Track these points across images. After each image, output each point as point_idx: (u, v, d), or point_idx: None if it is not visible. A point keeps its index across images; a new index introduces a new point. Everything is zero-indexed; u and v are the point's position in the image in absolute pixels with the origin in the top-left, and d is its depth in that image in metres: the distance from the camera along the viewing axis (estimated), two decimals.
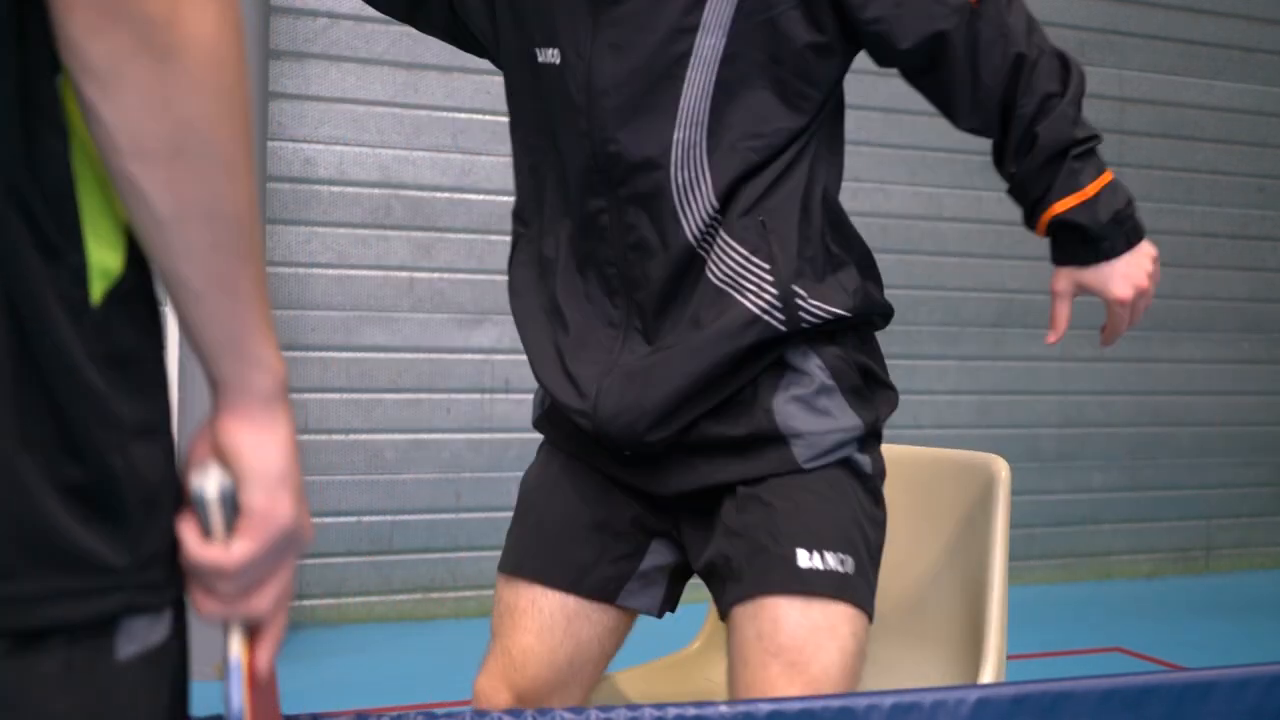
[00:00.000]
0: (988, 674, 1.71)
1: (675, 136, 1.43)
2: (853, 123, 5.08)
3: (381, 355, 4.21)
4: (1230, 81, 5.51)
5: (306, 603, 4.12)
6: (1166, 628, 4.46)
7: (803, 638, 1.40)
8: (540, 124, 1.54)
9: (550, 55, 1.48)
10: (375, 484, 4.22)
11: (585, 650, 1.59)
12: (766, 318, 1.44)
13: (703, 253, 1.45)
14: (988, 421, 5.02)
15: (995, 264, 5.02)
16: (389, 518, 4.24)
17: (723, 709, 0.90)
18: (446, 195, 4.24)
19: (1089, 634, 4.27)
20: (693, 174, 1.44)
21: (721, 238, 1.45)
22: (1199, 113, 5.45)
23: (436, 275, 4.25)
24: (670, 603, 1.64)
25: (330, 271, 4.14)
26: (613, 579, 1.59)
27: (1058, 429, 5.18)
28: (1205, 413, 5.51)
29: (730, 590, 1.47)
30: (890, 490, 1.70)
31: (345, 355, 4.17)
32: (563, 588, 1.57)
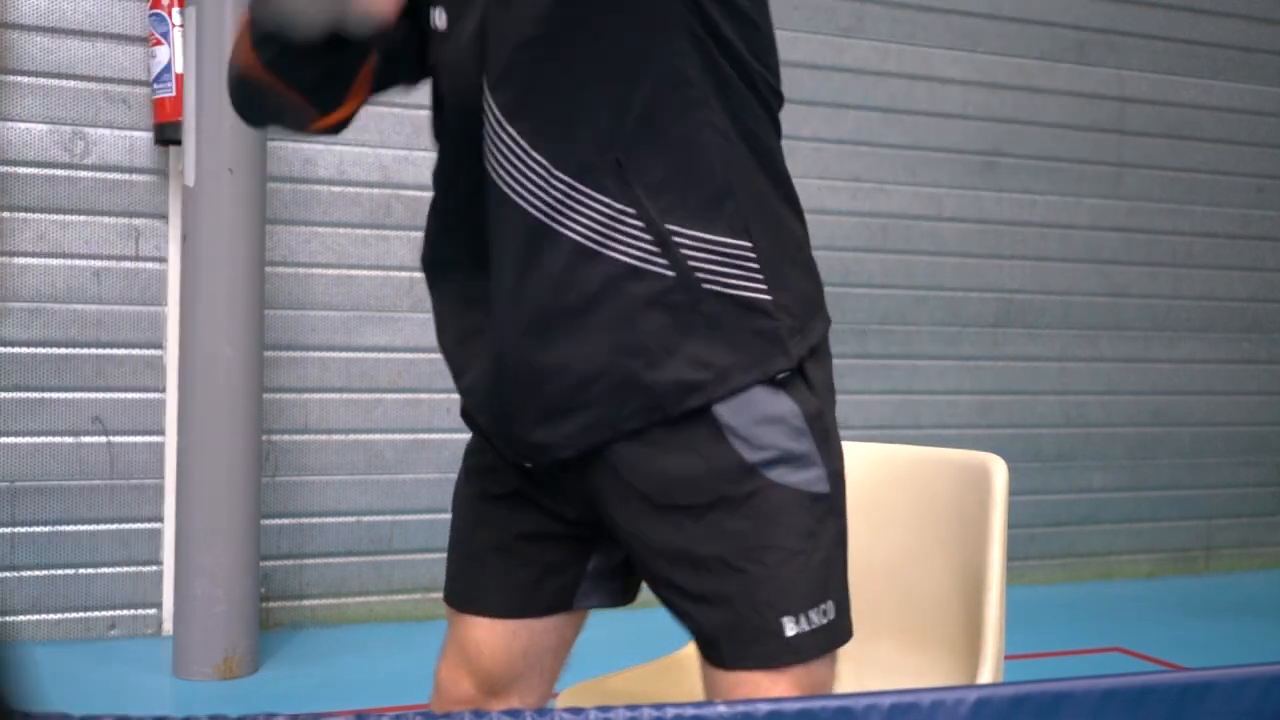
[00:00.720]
0: (986, 674, 1.71)
1: None
2: (852, 122, 5.08)
3: (382, 355, 4.21)
4: (1230, 81, 5.51)
5: (306, 603, 4.12)
6: (1166, 628, 4.46)
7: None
8: None
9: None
10: (375, 484, 4.22)
11: (541, 641, 1.51)
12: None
13: None
14: (987, 421, 5.02)
15: (995, 264, 5.02)
16: (389, 518, 4.24)
17: (722, 709, 0.90)
18: None
19: (1088, 634, 4.27)
20: None
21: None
22: (1199, 113, 5.45)
23: None
24: (631, 591, 1.54)
25: (330, 272, 4.15)
26: (561, 590, 1.50)
27: (1058, 429, 5.18)
28: (1205, 413, 5.51)
29: (705, 649, 1.37)
30: (889, 490, 1.70)
31: (345, 355, 4.17)
32: (511, 616, 1.49)
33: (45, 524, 3.83)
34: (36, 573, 3.83)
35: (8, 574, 3.80)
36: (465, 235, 1.39)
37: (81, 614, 3.88)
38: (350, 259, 4.16)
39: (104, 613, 3.90)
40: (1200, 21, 5.43)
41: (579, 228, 1.30)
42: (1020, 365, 5.13)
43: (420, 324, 4.23)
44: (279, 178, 4.04)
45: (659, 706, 0.89)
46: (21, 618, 3.82)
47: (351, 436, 4.18)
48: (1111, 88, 5.28)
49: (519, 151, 1.31)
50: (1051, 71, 5.18)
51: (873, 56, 4.85)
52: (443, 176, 1.47)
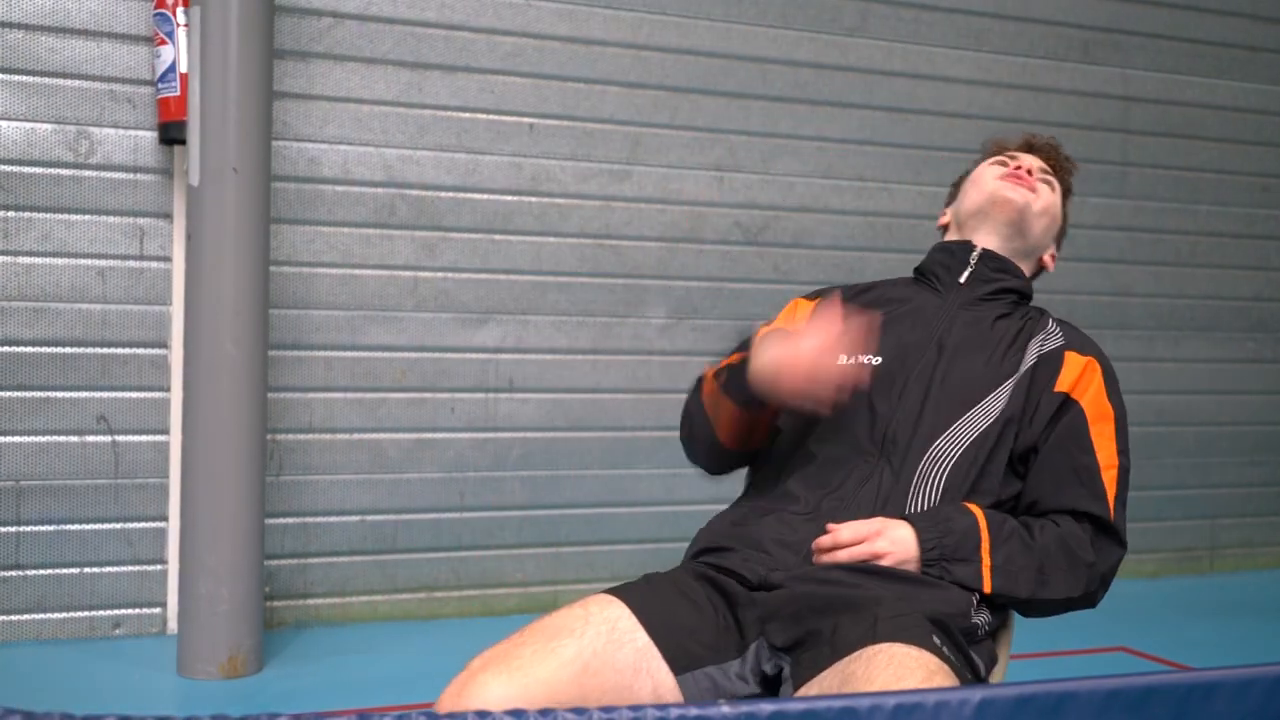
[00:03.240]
0: (992, 673, 1.71)
1: None
2: (857, 122, 5.09)
3: (386, 355, 4.21)
4: (1235, 80, 5.50)
5: (310, 602, 4.13)
6: (1171, 628, 4.45)
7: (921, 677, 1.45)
8: None
9: None
10: (379, 483, 4.22)
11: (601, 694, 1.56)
12: None
13: None
14: None
15: None
16: (393, 517, 4.24)
17: (725, 709, 0.90)
18: (451, 195, 4.25)
19: (1093, 634, 4.26)
20: None
21: None
22: (1203, 112, 5.45)
23: (441, 275, 4.25)
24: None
25: (335, 271, 4.15)
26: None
27: None
28: (1209, 412, 5.50)
29: (840, 639, 1.54)
30: None
31: (349, 355, 4.17)
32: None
33: (50, 523, 3.84)
34: (41, 572, 3.83)
35: (13, 573, 3.81)
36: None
37: (86, 613, 3.88)
38: (354, 258, 4.17)
39: (109, 612, 3.91)
40: (1205, 20, 5.42)
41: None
42: None
43: (424, 323, 4.23)
44: (283, 177, 4.04)
45: (662, 707, 0.89)
46: (26, 616, 3.83)
47: (356, 436, 4.19)
48: (1116, 87, 5.28)
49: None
50: (1056, 71, 5.18)
51: (877, 56, 4.85)
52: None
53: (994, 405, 1.76)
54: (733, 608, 1.66)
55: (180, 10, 3.67)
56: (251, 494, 3.51)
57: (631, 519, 4.45)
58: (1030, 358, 1.82)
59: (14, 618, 3.81)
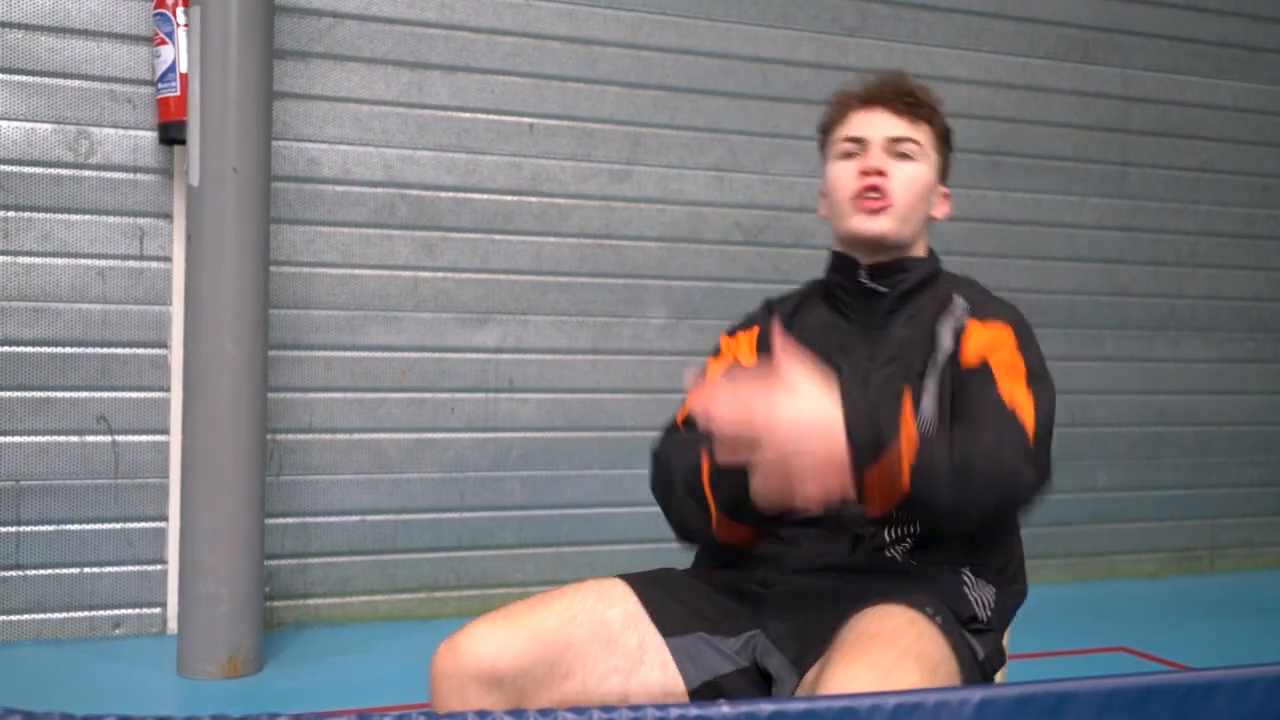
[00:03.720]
0: (1000, 672, 1.71)
1: None
2: None
3: (386, 355, 4.21)
4: (1235, 80, 5.50)
5: (310, 601, 4.13)
6: (1171, 627, 4.45)
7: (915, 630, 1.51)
8: None
9: None
10: (379, 483, 4.22)
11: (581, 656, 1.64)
12: None
13: None
14: None
15: (999, 263, 5.01)
16: (393, 517, 4.24)
17: (725, 709, 0.90)
18: (451, 195, 4.24)
19: (1093, 634, 4.27)
20: None
21: None
22: (1203, 112, 5.44)
23: (441, 275, 4.25)
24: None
25: (335, 271, 4.15)
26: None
27: (1062, 428, 5.15)
28: (1210, 412, 5.50)
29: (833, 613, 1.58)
30: None
31: (349, 355, 4.17)
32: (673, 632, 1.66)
33: (50, 523, 3.84)
34: (41, 572, 3.83)
35: (13, 573, 3.81)
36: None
37: (86, 613, 3.88)
38: (354, 258, 4.17)
39: (109, 612, 3.91)
40: (1205, 20, 5.42)
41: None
42: None
43: (424, 323, 4.23)
44: (283, 177, 4.04)
45: (662, 707, 0.89)
46: (26, 616, 3.83)
47: (356, 436, 4.19)
48: (1116, 87, 5.28)
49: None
50: (1056, 71, 5.17)
51: (877, 56, 4.84)
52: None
53: (928, 409, 1.73)
54: (733, 598, 1.71)
55: (180, 10, 3.67)
56: (251, 494, 3.51)
57: (631, 519, 4.45)
58: (945, 345, 1.77)
59: (14, 618, 3.81)
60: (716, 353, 1.93)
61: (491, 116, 4.29)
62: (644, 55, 4.52)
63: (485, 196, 4.29)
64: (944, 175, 1.93)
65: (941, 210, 1.94)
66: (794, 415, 1.45)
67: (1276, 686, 1.03)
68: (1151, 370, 5.38)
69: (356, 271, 4.17)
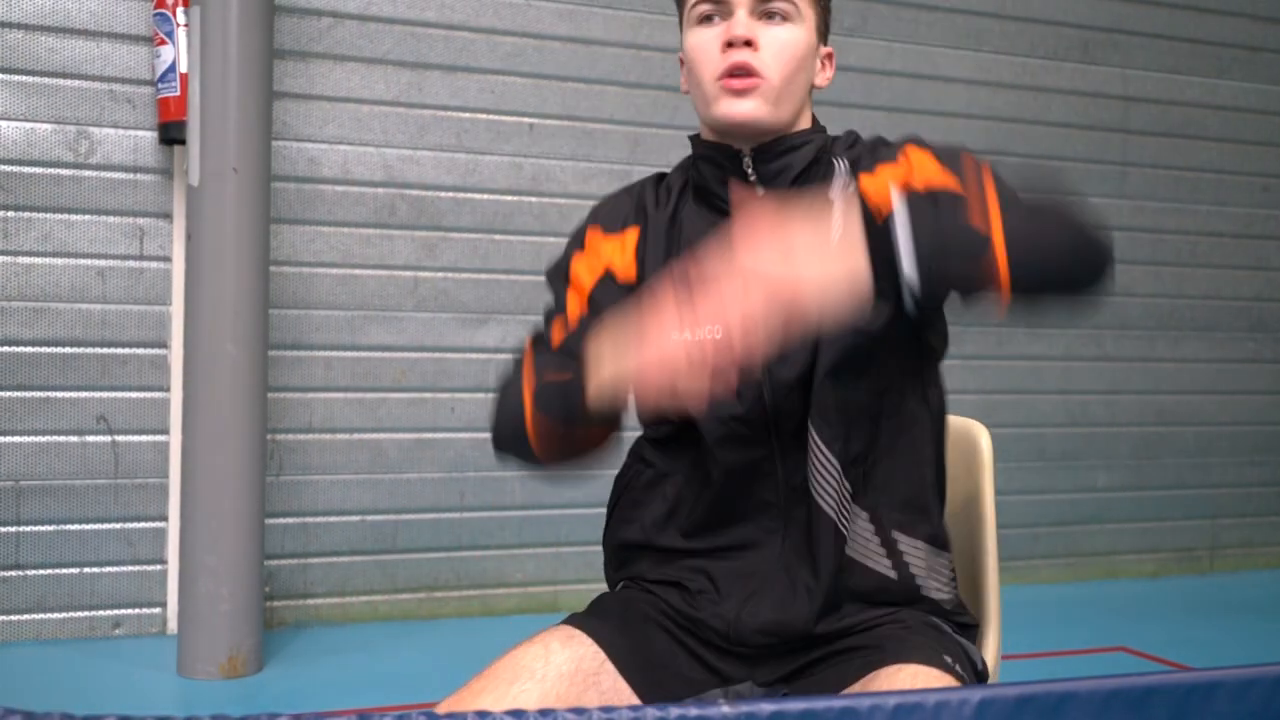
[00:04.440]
0: (989, 649, 1.72)
1: None
2: (856, 121, 5.09)
3: (385, 355, 4.21)
4: (1235, 80, 5.50)
5: (310, 601, 4.13)
6: (1171, 628, 4.45)
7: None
8: None
9: None
10: (379, 483, 4.22)
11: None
12: None
13: None
14: (991, 421, 4.99)
15: None
16: (393, 517, 4.24)
17: (725, 709, 0.90)
18: (450, 195, 4.25)
19: (1093, 634, 4.27)
20: None
21: None
22: (1204, 112, 5.45)
23: (441, 275, 4.25)
24: None
25: (334, 271, 4.15)
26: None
27: (1062, 428, 5.17)
28: (1210, 412, 5.50)
29: (854, 664, 1.45)
30: None
31: (349, 355, 4.17)
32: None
33: (50, 523, 3.84)
34: (41, 572, 3.83)
35: (13, 573, 3.81)
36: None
37: (86, 613, 3.89)
38: (354, 258, 4.17)
39: (108, 612, 3.91)
40: (1205, 20, 5.42)
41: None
42: (1024, 364, 5.12)
43: (424, 323, 4.23)
44: (283, 177, 4.04)
45: (661, 706, 0.89)
46: (26, 616, 3.83)
47: (356, 436, 4.19)
48: (1116, 87, 5.28)
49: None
50: (1056, 70, 5.18)
51: (877, 56, 4.85)
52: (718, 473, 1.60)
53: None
54: (706, 646, 1.54)
55: (180, 10, 3.67)
56: (251, 494, 3.51)
57: None
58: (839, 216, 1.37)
59: (14, 618, 3.81)
60: (581, 245, 1.71)
61: (491, 116, 4.29)
62: (644, 55, 4.52)
63: (485, 196, 4.29)
64: (824, 33, 1.59)
65: (825, 76, 1.60)
66: (820, 277, 1.25)
67: (1277, 686, 1.03)
68: (1151, 370, 5.38)
69: (356, 271, 4.17)
